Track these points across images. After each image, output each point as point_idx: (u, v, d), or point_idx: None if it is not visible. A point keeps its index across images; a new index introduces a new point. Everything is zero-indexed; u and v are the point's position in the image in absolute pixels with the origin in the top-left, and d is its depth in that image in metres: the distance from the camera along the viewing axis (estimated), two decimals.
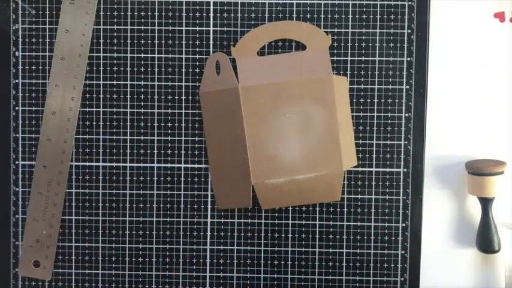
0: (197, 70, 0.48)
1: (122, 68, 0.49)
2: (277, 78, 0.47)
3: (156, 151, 0.49)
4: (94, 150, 0.49)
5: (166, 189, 0.49)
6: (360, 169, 0.49)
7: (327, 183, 0.48)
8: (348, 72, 0.48)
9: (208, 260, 0.49)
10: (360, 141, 0.48)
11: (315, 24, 0.48)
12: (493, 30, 0.48)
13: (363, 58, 0.48)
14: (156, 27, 0.48)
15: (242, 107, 0.47)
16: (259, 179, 0.47)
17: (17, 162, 0.49)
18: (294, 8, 0.48)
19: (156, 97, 0.48)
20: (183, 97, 0.48)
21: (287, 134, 0.47)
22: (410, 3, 0.47)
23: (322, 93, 0.47)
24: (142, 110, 0.49)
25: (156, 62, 0.48)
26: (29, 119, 0.49)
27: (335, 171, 0.47)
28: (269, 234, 0.49)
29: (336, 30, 0.48)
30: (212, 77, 0.48)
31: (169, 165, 0.49)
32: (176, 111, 0.49)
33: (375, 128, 0.48)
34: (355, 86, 0.48)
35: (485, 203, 0.47)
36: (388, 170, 0.48)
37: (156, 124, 0.48)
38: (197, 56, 0.48)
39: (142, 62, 0.48)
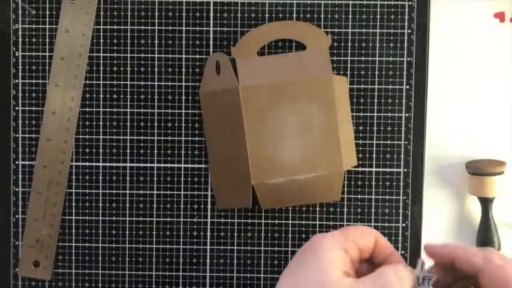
0: (197, 70, 0.48)
1: (122, 68, 0.49)
2: (277, 78, 0.47)
3: (156, 151, 0.49)
4: (94, 150, 0.49)
5: (166, 189, 0.49)
6: (360, 169, 0.49)
7: (326, 184, 0.48)
8: (348, 72, 0.48)
9: (208, 260, 0.49)
10: (360, 141, 0.48)
11: (315, 24, 0.48)
12: (493, 30, 0.48)
13: (363, 58, 0.48)
14: (156, 27, 0.48)
15: (242, 107, 0.47)
16: (259, 179, 0.47)
17: (17, 162, 0.49)
18: (294, 8, 0.48)
19: (156, 97, 0.48)
20: (183, 97, 0.48)
21: (287, 134, 0.47)
22: (410, 3, 0.47)
23: (322, 94, 0.47)
24: (142, 110, 0.49)
25: (156, 62, 0.48)
26: (29, 119, 0.49)
27: (335, 172, 0.47)
28: (269, 234, 0.49)
29: (336, 30, 0.48)
30: (212, 77, 0.48)
31: (169, 165, 0.49)
32: (176, 111, 0.49)
33: (375, 128, 0.48)
34: (355, 86, 0.48)
35: (486, 203, 0.47)
36: (388, 170, 0.48)
37: (156, 124, 0.48)
38: (197, 56, 0.48)
39: (142, 62, 0.48)
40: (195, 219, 0.49)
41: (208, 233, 0.49)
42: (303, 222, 0.49)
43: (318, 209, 0.49)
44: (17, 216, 0.49)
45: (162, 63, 0.48)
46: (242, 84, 0.47)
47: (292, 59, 0.47)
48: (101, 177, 0.49)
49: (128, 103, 0.49)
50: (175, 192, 0.49)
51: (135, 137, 0.48)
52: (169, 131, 0.49)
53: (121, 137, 0.49)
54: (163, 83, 0.48)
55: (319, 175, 0.47)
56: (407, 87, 0.48)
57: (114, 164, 0.49)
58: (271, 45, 0.48)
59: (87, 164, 0.49)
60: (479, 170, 0.47)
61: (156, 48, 0.48)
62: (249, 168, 0.47)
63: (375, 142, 0.48)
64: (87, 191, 0.49)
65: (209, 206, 0.49)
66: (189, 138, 0.49)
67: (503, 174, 0.47)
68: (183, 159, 0.49)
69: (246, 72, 0.47)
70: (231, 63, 0.47)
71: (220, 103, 0.47)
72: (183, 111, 0.48)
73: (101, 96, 0.49)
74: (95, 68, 0.49)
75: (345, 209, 0.49)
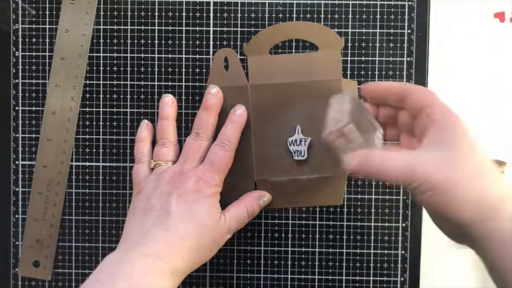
0: (197, 70, 0.48)
1: (122, 68, 0.49)
2: (287, 79, 0.47)
3: None
4: (94, 150, 0.49)
5: None
6: None
7: (329, 186, 0.48)
8: (348, 72, 0.48)
9: (208, 260, 0.49)
10: None
11: None
12: (493, 30, 0.48)
13: (363, 58, 0.48)
14: (156, 27, 0.48)
15: (250, 104, 0.47)
16: (262, 176, 0.47)
17: (17, 162, 0.49)
18: (294, 8, 0.48)
19: (156, 97, 0.48)
20: (183, 97, 0.48)
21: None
22: (410, 3, 0.47)
23: (330, 96, 0.46)
24: (142, 110, 0.49)
25: (156, 62, 0.48)
26: (29, 119, 0.49)
27: (338, 175, 0.47)
28: (269, 234, 0.49)
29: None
30: (220, 73, 0.48)
31: None
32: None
33: None
34: None
35: None
36: None
37: (156, 124, 0.48)
38: (197, 56, 0.48)
39: (143, 62, 0.48)
40: None
41: None
42: (303, 222, 0.49)
43: (318, 209, 0.49)
44: (16, 216, 0.49)
45: (162, 63, 0.48)
46: (252, 82, 0.47)
47: (303, 59, 0.47)
48: (101, 177, 0.49)
49: (128, 103, 0.49)
50: None
51: (135, 137, 0.48)
52: None
53: (121, 137, 0.49)
54: (163, 83, 0.48)
55: (322, 177, 0.47)
56: None
57: (114, 164, 0.49)
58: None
59: (87, 164, 0.49)
60: None
61: (156, 48, 0.48)
62: (253, 165, 0.47)
63: None
64: (87, 191, 0.49)
65: None
66: None
67: (503, 174, 0.47)
68: None
69: (256, 70, 0.47)
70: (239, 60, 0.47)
71: (227, 99, 0.47)
72: (183, 111, 0.48)
73: (101, 96, 0.49)
74: (95, 68, 0.49)
75: (345, 209, 0.49)
